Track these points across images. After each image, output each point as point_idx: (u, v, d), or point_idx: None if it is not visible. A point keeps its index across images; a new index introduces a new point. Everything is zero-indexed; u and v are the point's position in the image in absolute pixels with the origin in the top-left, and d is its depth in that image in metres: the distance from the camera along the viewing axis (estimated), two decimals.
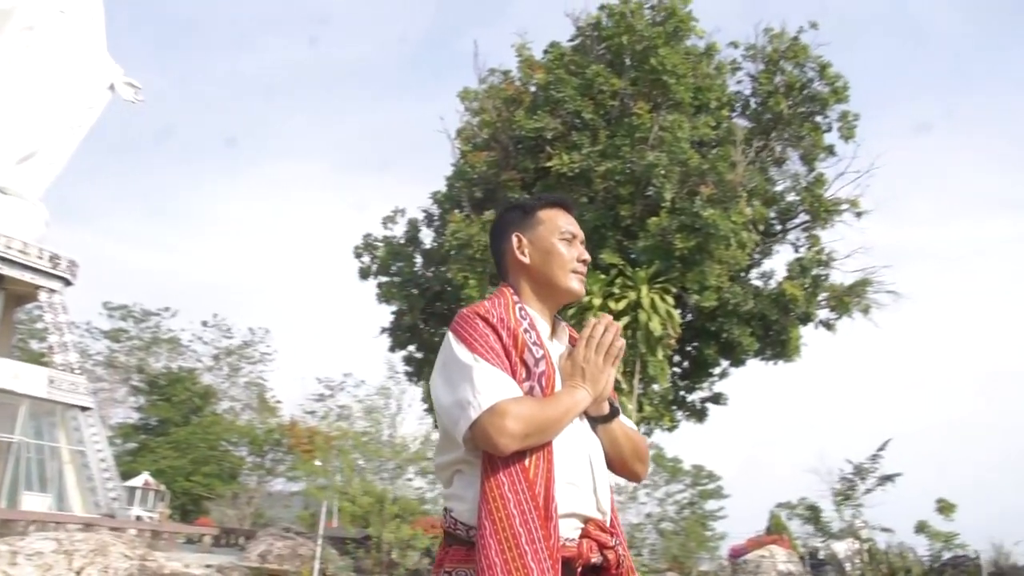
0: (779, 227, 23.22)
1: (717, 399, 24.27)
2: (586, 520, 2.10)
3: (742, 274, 21.87)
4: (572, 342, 2.32)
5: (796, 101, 21.54)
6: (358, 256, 22.53)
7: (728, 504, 44.08)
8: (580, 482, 2.08)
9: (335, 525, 30.63)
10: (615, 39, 20.84)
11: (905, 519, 22.33)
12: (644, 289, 17.69)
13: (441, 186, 22.41)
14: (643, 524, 37.82)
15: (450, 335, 2.16)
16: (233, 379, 54.92)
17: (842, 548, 17.57)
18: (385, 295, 21.67)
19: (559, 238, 2.34)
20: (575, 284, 2.37)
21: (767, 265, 23.43)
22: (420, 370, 21.14)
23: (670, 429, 22.54)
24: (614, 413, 2.25)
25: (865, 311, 22.39)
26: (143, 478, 37.69)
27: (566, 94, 19.97)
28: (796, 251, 23.15)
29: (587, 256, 2.42)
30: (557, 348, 2.29)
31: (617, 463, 2.25)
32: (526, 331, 2.19)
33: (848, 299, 22.11)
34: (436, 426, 2.27)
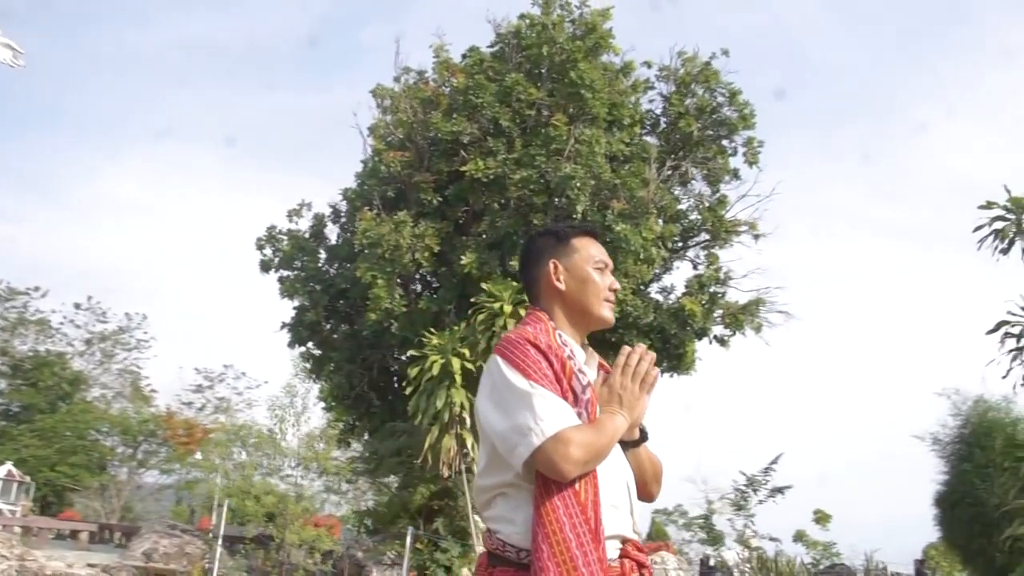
0: (680, 244, 23.88)
1: None
2: (624, 540, 2.19)
3: (643, 287, 22.38)
4: (600, 368, 2.42)
5: (705, 124, 22.22)
6: (260, 248, 21.95)
7: None
8: (620, 504, 2.18)
9: (214, 523, 29.71)
10: (534, 49, 21.01)
11: (785, 529, 23.44)
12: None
13: (342, 179, 22.18)
14: None
15: (499, 360, 2.20)
16: (106, 365, 52.32)
17: (732, 556, 18.22)
18: (288, 290, 21.16)
19: (593, 267, 2.45)
20: (607, 312, 2.49)
21: (667, 280, 24.04)
22: (320, 367, 20.75)
23: None
24: (644, 438, 2.35)
25: (757, 329, 23.29)
26: (6, 468, 35.52)
27: (484, 100, 19.99)
28: (695, 268, 23.84)
29: (618, 285, 2.56)
30: (590, 374, 2.37)
31: (640, 485, 2.34)
32: (570, 357, 2.26)
33: (742, 317, 22.91)
34: (478, 447, 2.32)
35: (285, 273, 21.75)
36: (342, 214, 22.28)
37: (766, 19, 77.08)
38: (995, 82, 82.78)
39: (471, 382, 18.03)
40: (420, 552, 18.50)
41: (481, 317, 18.11)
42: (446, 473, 17.61)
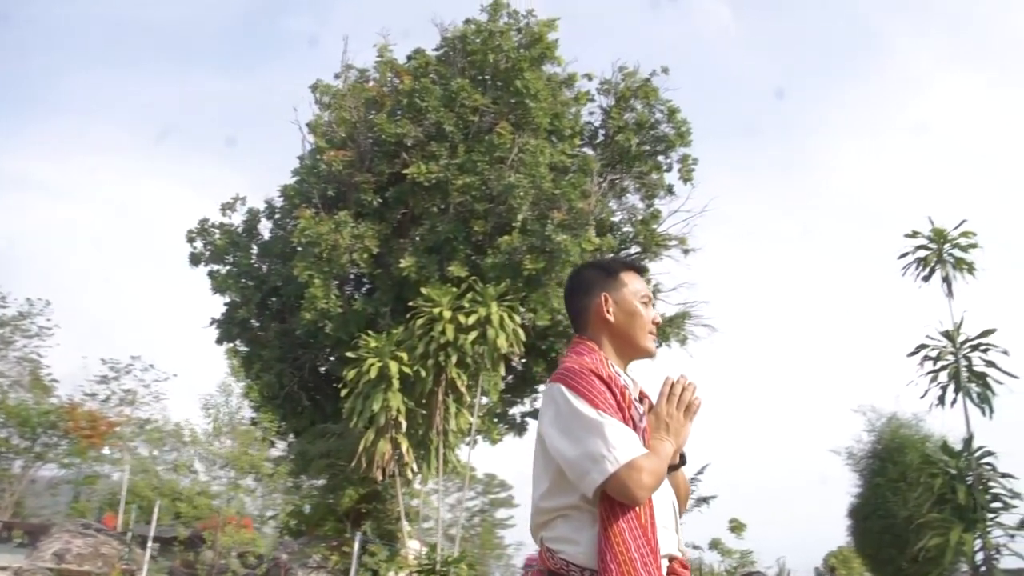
0: (611, 255, 24.31)
1: (537, 415, 25.00)
2: (671, 559, 2.32)
3: None
4: (641, 396, 2.52)
5: (643, 139, 22.67)
6: (190, 241, 21.38)
7: (518, 514, 45.29)
8: (668, 525, 2.30)
9: (118, 522, 28.70)
10: (479, 55, 21.08)
11: (701, 537, 24.10)
12: (494, 306, 17.97)
13: (267, 169, 21.86)
14: (431, 528, 38.19)
15: (564, 389, 2.29)
16: (3, 353, 49.86)
17: None
18: (220, 286, 20.68)
19: (640, 301, 2.54)
20: (652, 344, 2.58)
21: None
22: (248, 365, 20.33)
23: (493, 442, 23.00)
24: (683, 462, 2.46)
25: (683, 342, 23.90)
26: None
27: (430, 104, 19.96)
28: None
29: (660, 319, 2.65)
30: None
31: None
32: (626, 387, 2.39)
33: (669, 329, 23.47)
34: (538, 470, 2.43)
35: (216, 267, 21.26)
36: (277, 210, 21.88)
37: (684, 31, 78.71)
38: (909, 104, 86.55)
39: (408, 386, 18.01)
40: (347, 555, 18.34)
41: (420, 321, 18.09)
42: (380, 477, 17.53)
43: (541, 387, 24.50)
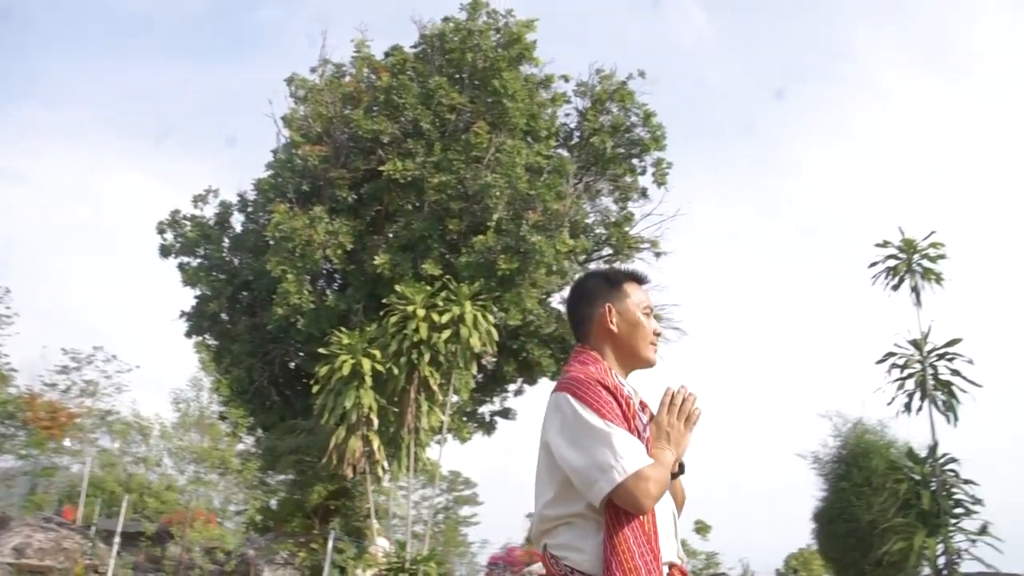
0: (584, 257, 24.43)
1: (506, 413, 25.09)
2: (671, 565, 2.39)
3: (546, 297, 22.79)
4: (642, 406, 2.58)
5: (618, 142, 22.80)
6: (161, 232, 21.13)
7: (482, 511, 45.36)
8: (669, 532, 2.37)
9: (78, 516, 28.26)
10: (457, 53, 21.07)
11: None
12: (468, 305, 17.98)
13: (235, 160, 21.63)
14: (396, 526, 38.10)
15: (571, 398, 2.34)
16: None
17: None
18: (191, 278, 20.45)
19: (642, 312, 2.61)
20: (653, 354, 2.65)
21: (568, 291, 24.50)
22: (218, 360, 20.15)
23: (463, 441, 23.01)
24: (681, 471, 2.52)
25: None
26: None
27: (407, 101, 19.91)
28: None
29: (661, 330, 2.74)
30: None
31: None
32: (630, 397, 2.45)
33: None
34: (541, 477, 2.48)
35: (186, 260, 21.03)
36: (249, 203, 21.70)
37: (661, 36, 79.29)
38: (876, 111, 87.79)
39: (380, 384, 17.96)
40: (315, 552, 18.27)
41: (393, 319, 18.06)
42: (350, 474, 17.48)
43: (511, 386, 24.59)
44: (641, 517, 2.23)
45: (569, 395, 2.35)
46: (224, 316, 20.75)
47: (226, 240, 21.44)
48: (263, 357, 20.28)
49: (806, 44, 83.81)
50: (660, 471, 2.27)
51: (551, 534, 2.36)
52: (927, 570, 14.79)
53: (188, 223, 21.17)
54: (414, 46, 21.83)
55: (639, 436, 2.35)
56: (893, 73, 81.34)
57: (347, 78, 22.25)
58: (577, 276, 2.62)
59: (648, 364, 2.64)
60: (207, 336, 21.22)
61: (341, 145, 20.28)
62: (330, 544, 16.54)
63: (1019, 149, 78.57)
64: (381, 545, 19.14)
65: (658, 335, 2.67)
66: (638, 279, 2.71)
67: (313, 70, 22.25)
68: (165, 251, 21.12)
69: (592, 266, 24.94)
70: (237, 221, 21.90)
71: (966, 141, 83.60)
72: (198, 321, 20.83)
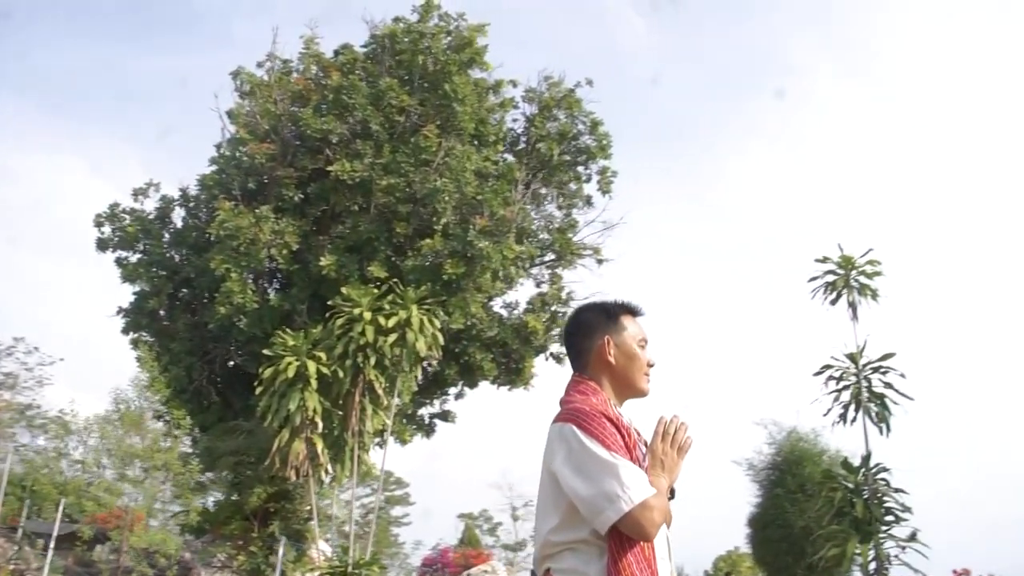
0: (528, 263, 24.59)
1: (446, 416, 25.10)
2: None
3: (488, 301, 22.89)
4: (638, 435, 2.69)
5: (565, 149, 23.01)
6: (98, 225, 20.55)
7: (414, 512, 45.13)
8: (665, 556, 2.51)
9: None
10: (407, 54, 21.02)
11: None
12: (415, 309, 17.95)
13: (169, 151, 21.17)
14: (331, 527, 37.70)
15: (576, 430, 2.45)
16: None
17: None
18: (130, 274, 19.94)
19: (638, 344, 2.74)
20: (648, 386, 2.78)
21: (511, 296, 24.66)
22: (157, 358, 19.69)
23: (404, 443, 22.96)
24: (673, 496, 2.65)
25: None
26: None
27: (357, 101, 19.79)
28: (538, 286, 24.59)
29: (655, 361, 2.84)
30: None
31: None
32: (630, 428, 2.59)
33: None
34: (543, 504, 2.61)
35: (124, 255, 20.50)
36: (191, 199, 21.26)
37: (599, 38, 79.92)
38: (809, 122, 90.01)
39: (326, 387, 17.81)
40: (254, 555, 18.03)
41: (339, 321, 17.91)
42: (293, 477, 17.29)
43: (452, 389, 24.60)
44: (642, 543, 2.35)
45: (575, 426, 2.45)
46: (163, 313, 20.28)
47: (166, 235, 20.97)
48: (203, 356, 19.90)
49: (744, 54, 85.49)
50: (662, 500, 2.40)
51: (555, 559, 2.46)
52: (859, 575, 15.33)
53: (127, 217, 20.65)
54: (364, 46, 21.71)
55: (639, 465, 2.47)
56: (828, 84, 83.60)
57: (294, 75, 22.00)
58: (574, 307, 2.71)
59: (642, 395, 2.76)
60: (144, 333, 20.72)
61: (288, 143, 20.05)
62: (280, 551, 16.36)
63: (949, 167, 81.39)
64: (322, 549, 18.99)
65: (651, 366, 2.79)
66: (633, 312, 2.82)
67: (260, 65, 21.95)
68: (102, 244, 20.56)
69: (535, 271, 25.18)
70: (178, 216, 21.44)
71: (899, 156, 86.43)
72: (136, 318, 20.33)
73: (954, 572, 14.16)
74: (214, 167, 20.69)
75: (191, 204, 21.22)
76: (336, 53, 21.59)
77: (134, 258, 20.43)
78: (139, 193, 20.94)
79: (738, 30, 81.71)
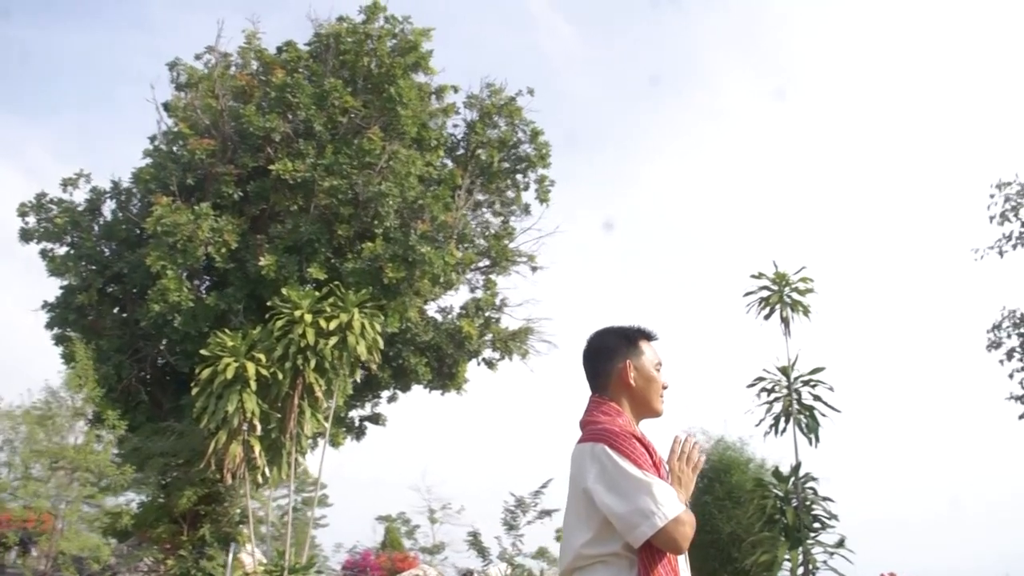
0: (465, 269, 24.68)
1: (377, 419, 25.00)
2: None
3: (424, 305, 22.92)
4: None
5: (504, 157, 23.21)
6: (23, 215, 19.75)
7: (331, 514, 44.46)
8: (687, 568, 2.69)
9: None
10: (351, 56, 20.88)
11: (529, 547, 24.84)
12: (355, 312, 17.88)
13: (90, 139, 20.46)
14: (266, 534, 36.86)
15: (608, 449, 2.61)
16: None
17: (496, 572, 19.17)
18: (57, 268, 19.22)
19: (655, 368, 2.93)
20: (663, 406, 2.96)
21: (445, 300, 24.73)
22: (85, 355, 18.95)
23: (336, 446, 22.77)
24: None
25: (524, 355, 24.63)
26: None
27: (301, 100, 19.57)
28: (472, 291, 24.73)
29: (669, 384, 3.02)
30: None
31: None
32: (654, 447, 2.76)
33: (512, 343, 24.14)
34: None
35: (50, 246, 19.75)
36: (123, 191, 20.62)
37: (523, 43, 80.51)
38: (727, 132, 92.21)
39: (264, 389, 17.58)
40: (184, 559, 17.63)
41: (279, 323, 17.71)
42: (229, 479, 16.99)
43: (385, 392, 24.50)
44: (669, 556, 2.52)
45: (607, 446, 2.60)
46: (91, 309, 19.59)
47: (96, 228, 20.28)
48: (132, 354, 19.34)
49: (668, 65, 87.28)
50: (691, 516, 2.56)
51: (586, 571, 2.61)
52: None
53: (55, 207, 19.90)
54: (308, 44, 21.46)
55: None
56: (746, 100, 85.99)
57: (232, 69, 21.60)
58: (593, 332, 2.86)
59: (658, 415, 2.93)
60: (70, 329, 19.97)
61: (229, 139, 19.66)
62: (230, 557, 16.04)
63: (871, 184, 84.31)
64: (252, 552, 18.68)
65: (666, 388, 2.96)
66: (649, 336, 2.99)
67: (198, 57, 21.49)
68: (26, 235, 19.76)
69: (469, 276, 25.28)
70: (108, 209, 20.75)
71: (817, 172, 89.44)
72: (63, 313, 19.59)
73: (881, 575, 14.89)
74: (148, 160, 20.14)
75: (123, 197, 20.58)
76: (279, 50, 21.28)
77: (61, 251, 19.71)
78: (68, 184, 20.21)
79: (661, 39, 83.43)
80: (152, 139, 20.96)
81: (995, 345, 17.79)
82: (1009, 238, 16.35)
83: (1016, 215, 15.91)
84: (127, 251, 19.44)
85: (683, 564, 2.63)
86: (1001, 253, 16.58)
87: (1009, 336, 17.28)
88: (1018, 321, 17.21)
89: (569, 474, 2.78)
